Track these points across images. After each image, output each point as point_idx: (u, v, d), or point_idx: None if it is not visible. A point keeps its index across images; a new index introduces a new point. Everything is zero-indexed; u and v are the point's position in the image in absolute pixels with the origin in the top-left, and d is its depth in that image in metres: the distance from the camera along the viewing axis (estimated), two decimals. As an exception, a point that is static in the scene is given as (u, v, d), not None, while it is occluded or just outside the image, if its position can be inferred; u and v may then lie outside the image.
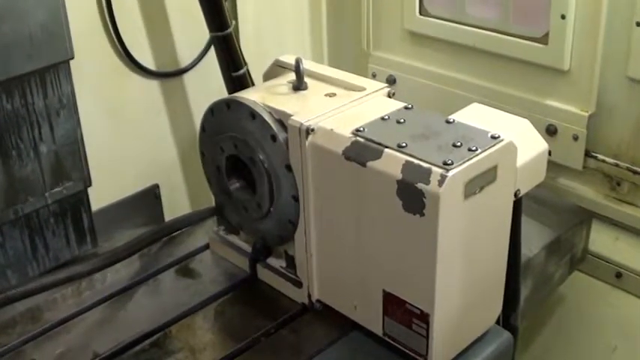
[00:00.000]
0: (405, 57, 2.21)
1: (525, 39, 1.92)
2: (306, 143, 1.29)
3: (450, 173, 1.13)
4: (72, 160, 1.72)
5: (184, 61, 2.05)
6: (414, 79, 2.18)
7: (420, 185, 1.14)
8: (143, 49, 1.95)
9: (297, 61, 1.40)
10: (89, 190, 1.78)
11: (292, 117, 1.31)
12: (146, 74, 1.97)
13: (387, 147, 1.21)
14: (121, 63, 1.91)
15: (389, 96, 1.41)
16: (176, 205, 2.12)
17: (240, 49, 1.88)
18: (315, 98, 1.40)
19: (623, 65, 1.80)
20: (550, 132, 1.92)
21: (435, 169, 1.15)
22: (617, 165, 1.88)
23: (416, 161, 1.17)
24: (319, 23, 2.36)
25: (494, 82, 2.02)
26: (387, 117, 1.30)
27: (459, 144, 1.20)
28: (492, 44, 1.98)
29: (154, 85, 2.01)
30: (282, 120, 1.34)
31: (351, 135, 1.25)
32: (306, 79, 1.44)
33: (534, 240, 1.78)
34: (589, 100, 1.86)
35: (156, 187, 2.08)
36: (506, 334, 1.40)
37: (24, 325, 1.47)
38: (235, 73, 1.87)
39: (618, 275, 1.95)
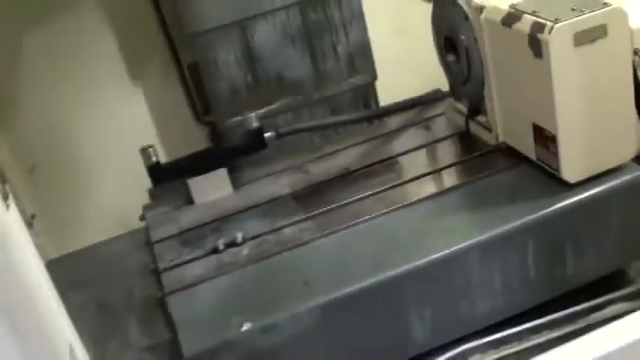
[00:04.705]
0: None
1: None
2: (481, 18, 1.82)
3: (557, 25, 1.60)
4: (362, 59, 2.37)
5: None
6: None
7: (539, 35, 1.63)
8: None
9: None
10: (376, 83, 2.43)
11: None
12: None
13: (525, 13, 1.70)
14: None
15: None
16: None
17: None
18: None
19: None
20: None
21: (549, 23, 1.62)
22: None
23: (540, 20, 1.65)
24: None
25: None
26: (538, -4, 1.78)
27: (574, 8, 1.65)
28: None
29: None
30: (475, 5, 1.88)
31: (507, 8, 1.76)
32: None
33: None
34: None
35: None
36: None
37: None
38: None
39: None
